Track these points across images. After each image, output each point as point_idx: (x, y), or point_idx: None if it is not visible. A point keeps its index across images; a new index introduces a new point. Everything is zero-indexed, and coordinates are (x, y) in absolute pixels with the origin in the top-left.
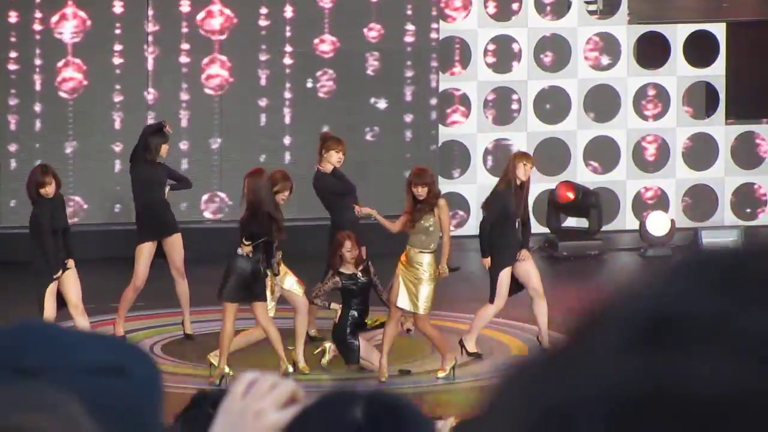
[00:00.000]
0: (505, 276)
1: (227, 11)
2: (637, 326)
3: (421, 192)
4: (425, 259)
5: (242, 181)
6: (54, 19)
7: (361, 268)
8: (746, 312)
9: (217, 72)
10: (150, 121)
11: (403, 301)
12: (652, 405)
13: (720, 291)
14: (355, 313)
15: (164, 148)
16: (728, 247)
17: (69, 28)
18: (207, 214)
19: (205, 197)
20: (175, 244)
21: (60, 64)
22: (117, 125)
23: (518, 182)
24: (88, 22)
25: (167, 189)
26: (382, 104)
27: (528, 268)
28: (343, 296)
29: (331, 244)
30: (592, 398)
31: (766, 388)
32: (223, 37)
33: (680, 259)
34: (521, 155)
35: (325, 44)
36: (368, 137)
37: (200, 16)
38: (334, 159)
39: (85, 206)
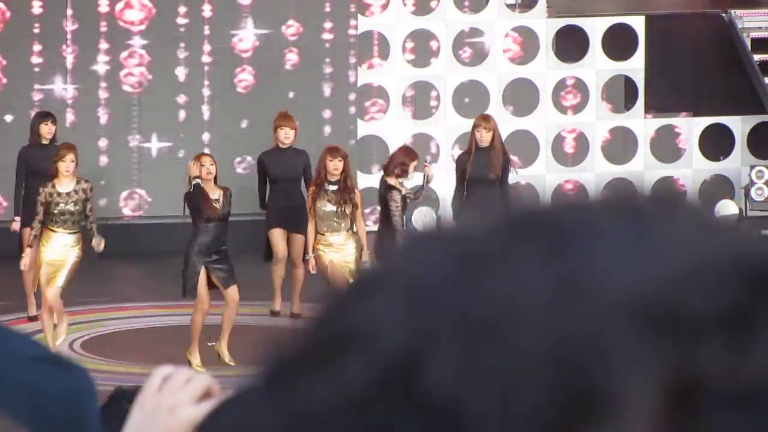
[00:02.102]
0: None
1: (146, 2)
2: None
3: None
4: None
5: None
6: None
7: None
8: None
9: (135, 69)
10: (69, 118)
11: None
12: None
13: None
14: None
15: (44, 128)
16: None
17: None
18: (126, 211)
19: (124, 194)
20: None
21: None
22: None
23: (477, 146)
24: (8, 14)
25: None
26: (299, 98)
27: None
28: None
29: None
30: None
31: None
32: (142, 34)
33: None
34: (479, 118)
35: (244, 42)
36: None
37: (119, 6)
38: (281, 136)
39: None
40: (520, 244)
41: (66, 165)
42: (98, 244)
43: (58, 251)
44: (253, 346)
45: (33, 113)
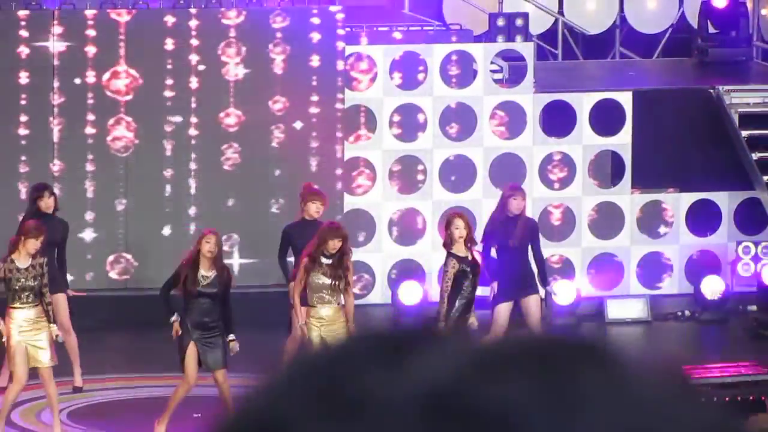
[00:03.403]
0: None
1: (132, 71)
2: None
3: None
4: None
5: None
6: None
7: None
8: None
9: (122, 134)
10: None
11: None
12: None
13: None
14: None
15: (45, 201)
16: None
17: None
18: (113, 275)
19: (110, 258)
20: (58, 303)
21: None
22: (22, 195)
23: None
24: None
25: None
26: (284, 174)
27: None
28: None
29: None
30: None
31: None
32: (128, 99)
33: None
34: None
35: (230, 117)
36: (273, 209)
37: (105, 77)
38: (312, 210)
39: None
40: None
41: (34, 244)
42: (55, 335)
43: (25, 328)
44: None
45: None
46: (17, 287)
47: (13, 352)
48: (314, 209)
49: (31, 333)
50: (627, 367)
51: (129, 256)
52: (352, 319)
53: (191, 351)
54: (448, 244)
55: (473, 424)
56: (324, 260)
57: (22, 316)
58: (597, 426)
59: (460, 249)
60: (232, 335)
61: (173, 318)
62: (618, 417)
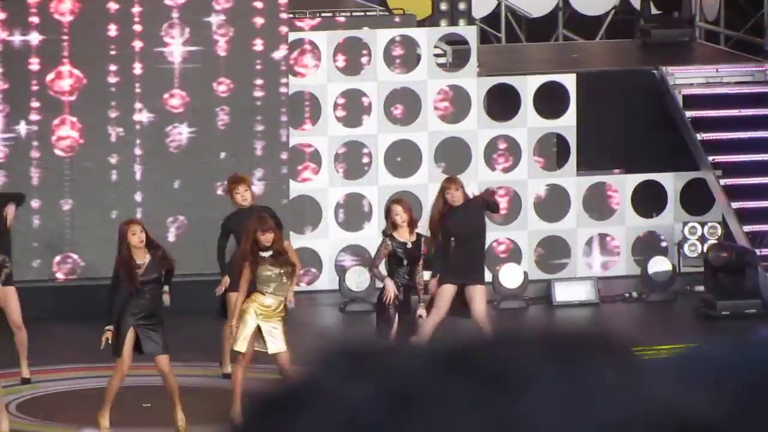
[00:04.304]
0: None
1: (76, 71)
2: None
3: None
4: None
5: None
6: None
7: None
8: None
9: (67, 133)
10: None
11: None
12: None
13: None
14: None
15: None
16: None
17: None
18: (60, 276)
19: (57, 258)
20: (9, 296)
21: None
22: None
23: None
24: None
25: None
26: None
27: None
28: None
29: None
30: None
31: None
32: (73, 98)
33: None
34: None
35: (175, 98)
36: (219, 192)
37: (50, 77)
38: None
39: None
40: (455, 385)
41: None
42: None
43: None
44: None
45: None
46: None
47: None
48: (240, 197)
49: None
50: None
51: (76, 256)
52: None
53: (130, 336)
54: (388, 230)
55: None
56: (263, 254)
57: None
58: (609, 410)
59: (402, 234)
60: (166, 287)
61: (107, 327)
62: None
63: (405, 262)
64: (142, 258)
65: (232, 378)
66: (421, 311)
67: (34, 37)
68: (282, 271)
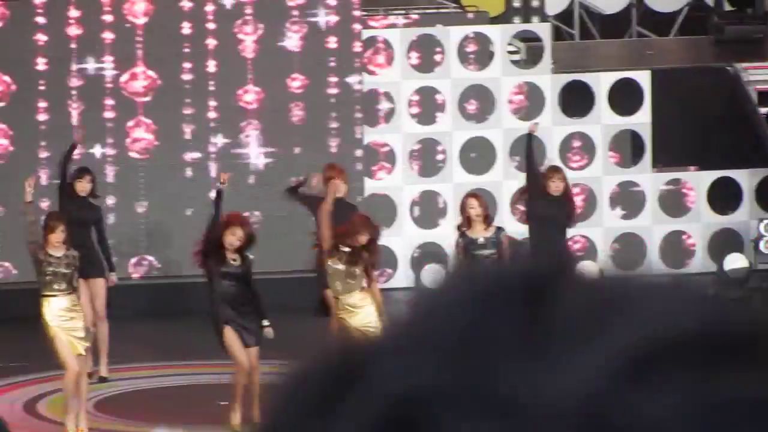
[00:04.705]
0: None
1: (151, 72)
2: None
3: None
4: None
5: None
6: None
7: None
8: (486, 374)
9: (141, 135)
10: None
11: None
12: None
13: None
14: None
15: (80, 185)
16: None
17: None
18: (135, 277)
19: (133, 260)
20: (97, 288)
21: None
22: (44, 182)
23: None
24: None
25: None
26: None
27: None
28: None
29: None
30: None
31: None
32: (147, 99)
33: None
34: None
35: (249, 94)
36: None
37: (124, 78)
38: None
39: (14, 271)
40: (544, 337)
41: (56, 236)
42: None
43: (62, 316)
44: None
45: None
46: (49, 272)
47: (56, 342)
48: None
49: (67, 322)
50: None
51: (151, 258)
52: (380, 308)
53: (233, 334)
54: (463, 225)
55: None
56: (344, 249)
57: (57, 305)
58: None
59: (476, 230)
60: (266, 321)
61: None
62: None
63: (477, 257)
64: (232, 254)
65: None
66: None
67: (108, 37)
68: (351, 269)
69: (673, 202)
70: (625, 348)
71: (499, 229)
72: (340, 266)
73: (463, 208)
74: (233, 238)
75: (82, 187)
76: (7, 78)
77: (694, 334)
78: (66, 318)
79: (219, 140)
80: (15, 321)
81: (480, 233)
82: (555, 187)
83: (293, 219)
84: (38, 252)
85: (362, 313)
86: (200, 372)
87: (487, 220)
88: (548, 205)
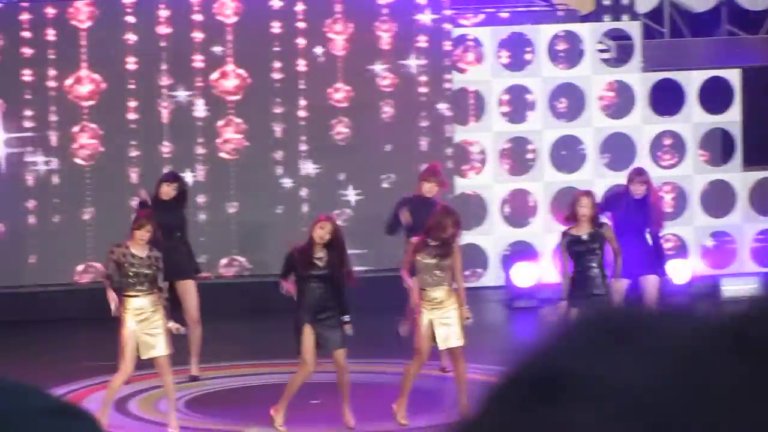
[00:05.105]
0: None
1: (241, 71)
2: (531, 383)
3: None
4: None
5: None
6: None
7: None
8: (620, 369)
9: (231, 136)
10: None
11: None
12: None
13: (606, 349)
14: None
15: (164, 188)
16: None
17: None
18: (226, 275)
19: (224, 261)
20: (187, 289)
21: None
22: (134, 180)
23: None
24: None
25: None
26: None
27: None
28: None
29: None
30: None
31: None
32: (237, 98)
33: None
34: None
35: (339, 93)
36: (384, 185)
37: (214, 76)
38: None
39: None
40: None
41: (142, 234)
42: (175, 328)
43: (140, 315)
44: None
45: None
46: (131, 274)
47: (125, 340)
48: (426, 189)
49: (146, 322)
50: None
51: (243, 259)
52: (463, 303)
53: (310, 335)
54: (569, 220)
55: None
56: (432, 242)
57: (136, 304)
58: None
59: (580, 228)
60: (347, 317)
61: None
62: None
63: (580, 255)
64: (318, 252)
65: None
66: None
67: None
68: (441, 263)
69: (764, 201)
70: None
71: (602, 224)
72: (430, 260)
73: (574, 204)
74: (322, 231)
75: (166, 191)
76: (96, 76)
77: None
78: (143, 317)
79: (308, 140)
80: (105, 321)
81: (584, 231)
82: (635, 190)
83: (380, 218)
84: (114, 260)
85: (443, 309)
86: (291, 371)
87: (593, 220)
88: (626, 209)
